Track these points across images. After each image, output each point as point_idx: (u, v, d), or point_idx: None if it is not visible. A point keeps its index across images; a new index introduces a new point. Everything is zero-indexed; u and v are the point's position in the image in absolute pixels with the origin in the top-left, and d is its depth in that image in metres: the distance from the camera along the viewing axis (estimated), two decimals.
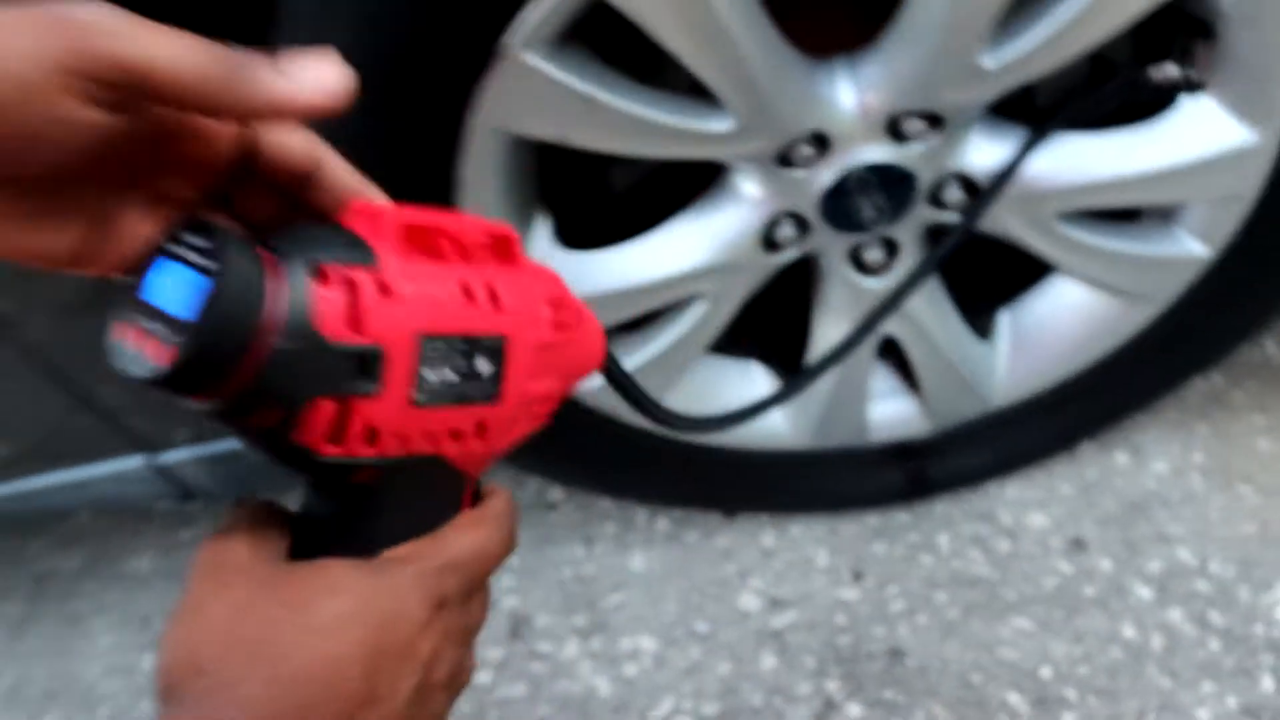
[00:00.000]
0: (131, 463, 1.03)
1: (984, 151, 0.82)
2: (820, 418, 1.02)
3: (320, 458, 0.39)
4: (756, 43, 0.72)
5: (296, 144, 0.40)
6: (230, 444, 1.04)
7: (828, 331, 0.96)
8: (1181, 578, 1.01)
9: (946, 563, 1.07)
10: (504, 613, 1.18)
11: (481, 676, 1.14)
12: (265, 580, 0.40)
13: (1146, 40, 0.83)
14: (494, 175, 0.77)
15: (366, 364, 0.38)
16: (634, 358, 0.93)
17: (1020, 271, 0.99)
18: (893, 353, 1.00)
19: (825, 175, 0.82)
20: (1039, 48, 0.72)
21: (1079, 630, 1.00)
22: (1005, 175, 0.81)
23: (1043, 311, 0.99)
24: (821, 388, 0.99)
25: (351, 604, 0.40)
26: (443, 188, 0.76)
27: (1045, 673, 0.98)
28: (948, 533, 1.09)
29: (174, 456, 1.04)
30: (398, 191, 0.44)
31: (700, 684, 1.07)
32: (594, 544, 1.21)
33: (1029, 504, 1.08)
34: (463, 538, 0.44)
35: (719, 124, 0.76)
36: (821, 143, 0.80)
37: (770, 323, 1.03)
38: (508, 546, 0.46)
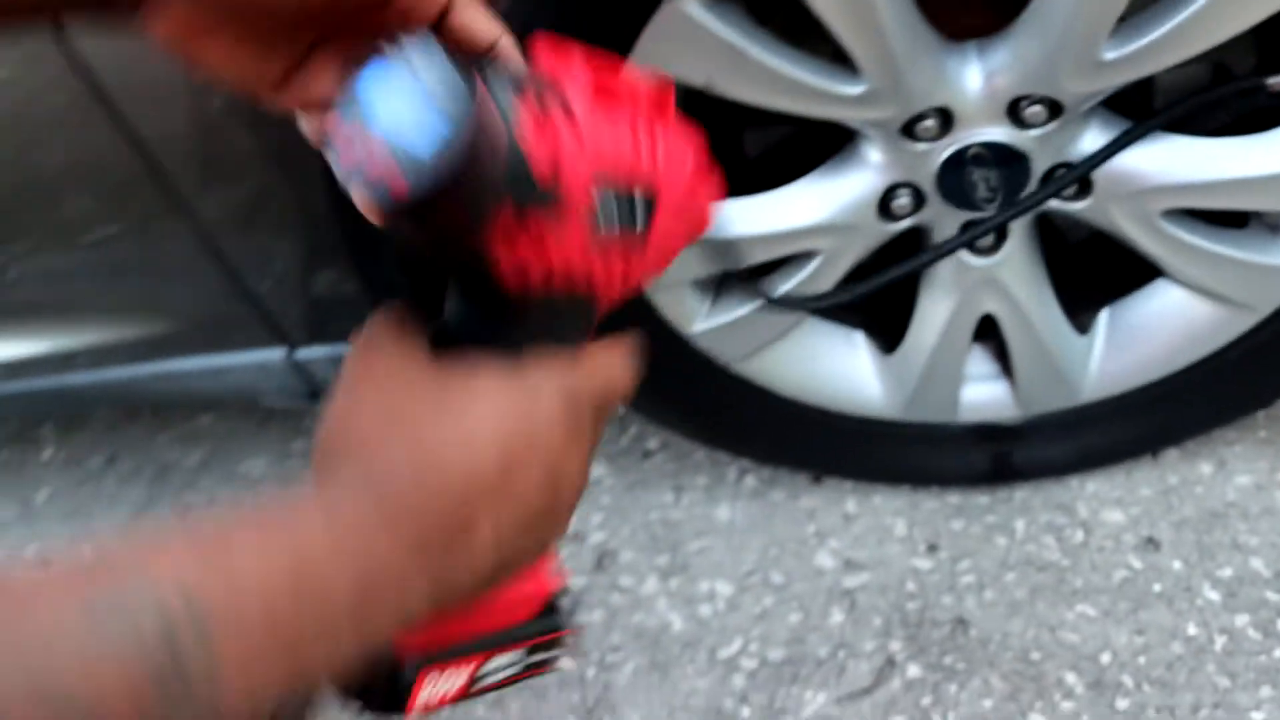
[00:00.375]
0: (272, 355, 1.13)
1: (1098, 144, 0.87)
2: (914, 390, 1.08)
3: (493, 264, 0.44)
4: (896, 17, 0.79)
5: (482, 24, 0.46)
6: None
7: (932, 306, 1.01)
8: (1252, 586, 1.04)
9: (1020, 546, 1.12)
10: (591, 545, 1.26)
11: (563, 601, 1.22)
12: (413, 372, 0.44)
13: (1271, 52, 0.87)
14: None
15: (551, 191, 0.43)
16: (745, 308, 1.00)
17: (1128, 274, 1.03)
18: (991, 336, 1.05)
19: (945, 150, 0.88)
20: (1156, 44, 0.77)
21: (1142, 622, 1.03)
22: (1097, 159, 0.86)
23: (1144, 313, 1.03)
24: (918, 361, 1.05)
25: (494, 399, 0.43)
26: None
27: (1104, 658, 1.02)
28: (1024, 518, 1.13)
29: (309, 354, 1.14)
30: None
31: (769, 630, 1.13)
32: (684, 492, 1.28)
33: (1107, 500, 1.12)
34: (601, 362, 0.49)
35: (852, 88, 0.83)
36: (945, 118, 0.86)
37: (877, 296, 1.09)
38: (629, 383, 0.50)
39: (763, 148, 1.08)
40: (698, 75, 0.82)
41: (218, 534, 0.37)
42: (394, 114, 0.40)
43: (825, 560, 1.17)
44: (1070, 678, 1.02)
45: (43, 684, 0.31)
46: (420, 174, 0.39)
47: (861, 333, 1.09)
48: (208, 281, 1.05)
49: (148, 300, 1.12)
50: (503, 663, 0.56)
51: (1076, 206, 0.91)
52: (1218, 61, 0.94)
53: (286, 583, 0.37)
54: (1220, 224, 0.95)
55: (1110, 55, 0.79)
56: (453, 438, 0.42)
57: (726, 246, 0.94)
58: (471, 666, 0.55)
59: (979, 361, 1.09)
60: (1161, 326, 1.02)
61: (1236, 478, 1.10)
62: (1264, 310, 0.97)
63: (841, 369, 1.09)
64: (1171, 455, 1.14)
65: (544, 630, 0.57)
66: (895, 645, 1.09)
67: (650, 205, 0.48)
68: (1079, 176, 0.88)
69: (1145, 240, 0.92)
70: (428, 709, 0.52)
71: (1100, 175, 0.88)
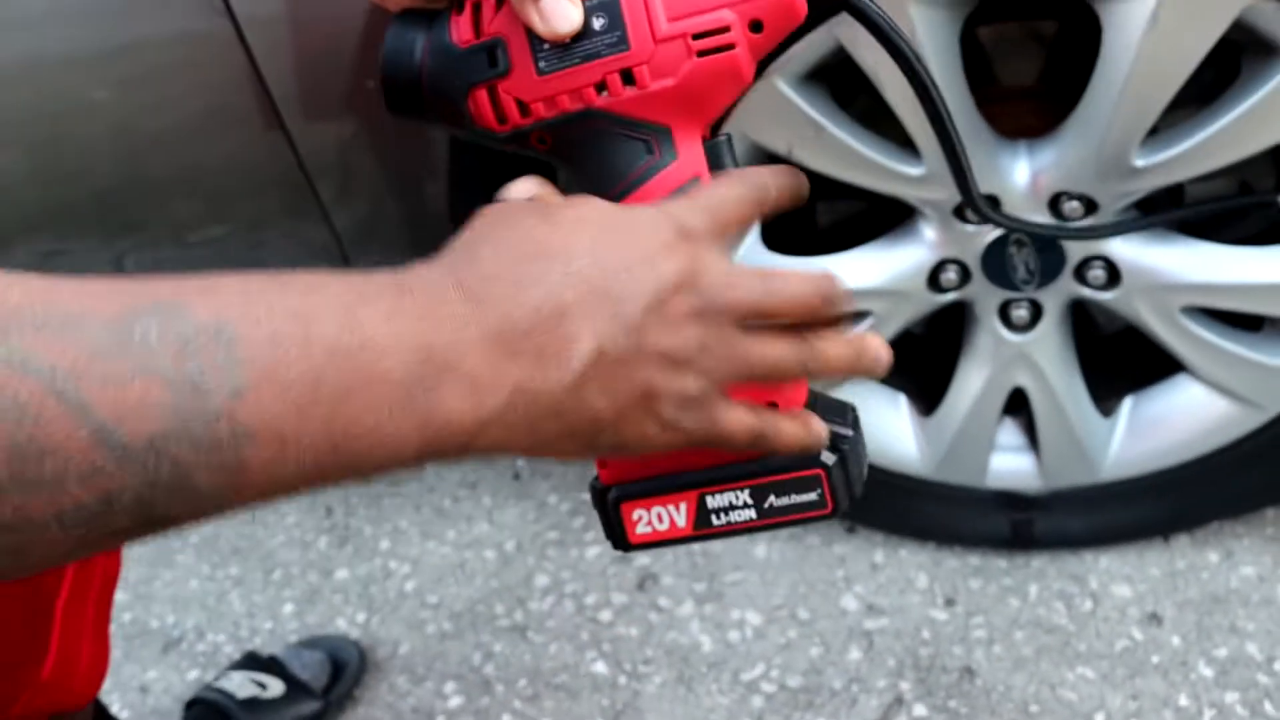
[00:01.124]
0: None
1: (1128, 243, 0.99)
2: (947, 452, 1.18)
3: (497, 134, 0.51)
4: (956, 112, 0.91)
5: None
6: None
7: (969, 375, 1.12)
8: (1245, 667, 1.11)
9: (1031, 608, 1.20)
10: (635, 567, 1.37)
11: (603, 614, 1.33)
12: (522, 211, 0.45)
13: None
14: None
15: (493, 55, 0.50)
16: None
17: (1153, 366, 1.13)
18: (1022, 410, 1.15)
19: (991, 234, 0.99)
20: (1181, 156, 0.89)
21: (1137, 689, 1.11)
22: (1094, 232, 0.96)
23: (1163, 404, 1.13)
24: (953, 425, 1.15)
25: (588, 210, 0.44)
26: None
27: (1098, 717, 1.10)
28: (1038, 584, 1.22)
29: None
30: None
31: (790, 659, 1.23)
32: None
33: (1118, 575, 1.21)
34: (709, 187, 0.48)
35: (913, 169, 0.95)
36: (994, 205, 0.98)
37: (921, 363, 1.21)
38: (756, 199, 0.48)
39: (833, 219, 1.21)
40: (780, 144, 0.95)
41: (271, 283, 0.36)
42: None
43: (850, 603, 1.27)
44: None
45: (60, 387, 0.31)
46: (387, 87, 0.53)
47: (904, 394, 1.20)
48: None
49: None
50: (726, 503, 0.52)
51: (1106, 296, 1.02)
52: (1242, 179, 1.05)
53: (332, 335, 0.35)
54: (1237, 325, 1.05)
55: (1140, 163, 0.91)
56: (548, 238, 0.42)
57: None
58: (687, 504, 0.52)
59: (1009, 432, 1.20)
60: (1179, 417, 1.12)
61: (1241, 568, 1.18)
62: (1273, 410, 1.06)
63: (883, 425, 1.20)
64: (1182, 540, 1.22)
65: (772, 470, 0.51)
66: (905, 685, 1.18)
67: (610, 6, 0.48)
68: (1069, 233, 0.98)
69: (1165, 333, 1.03)
70: (653, 543, 0.52)
71: (1127, 270, 0.99)
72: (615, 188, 0.51)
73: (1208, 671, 1.12)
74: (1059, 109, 0.94)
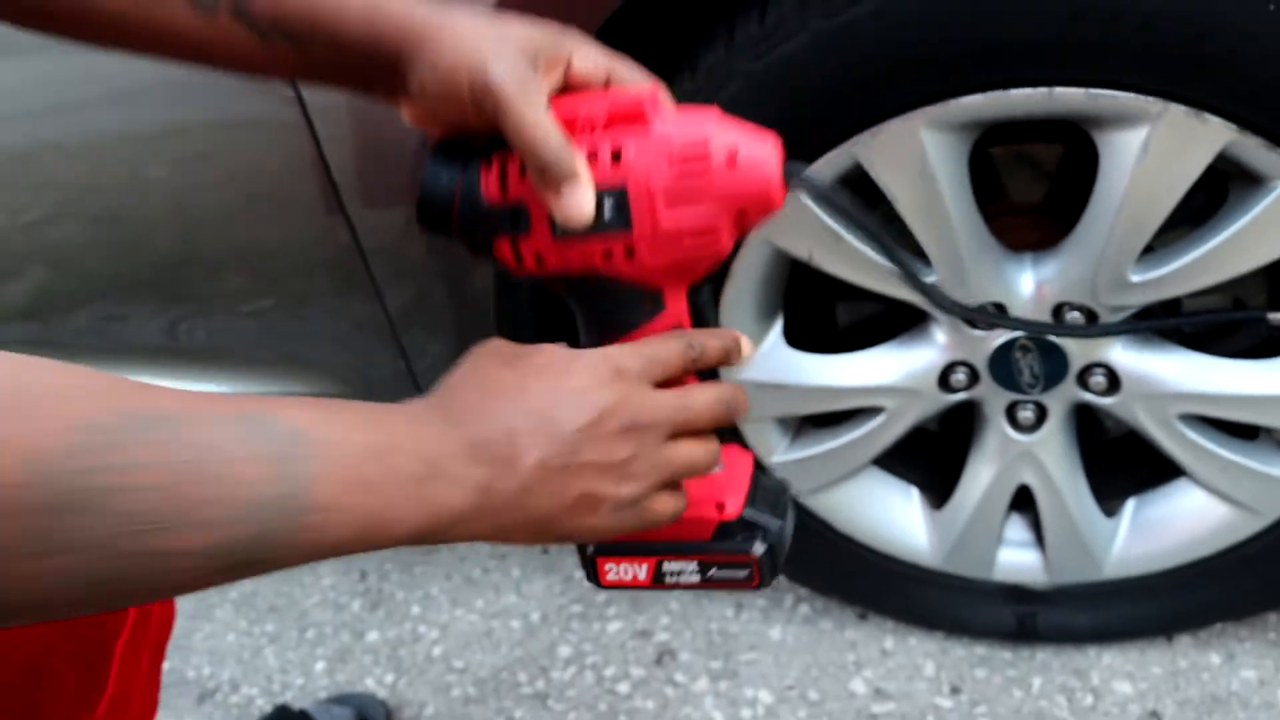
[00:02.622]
0: None
1: (1127, 351, 1.05)
2: (955, 545, 1.23)
3: (514, 275, 0.63)
4: (964, 226, 0.98)
5: (593, 65, 0.63)
6: None
7: (977, 471, 1.18)
8: None
9: (1034, 700, 1.24)
10: (655, 642, 1.42)
11: (621, 686, 1.37)
12: (497, 354, 0.59)
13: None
14: (754, 274, 1.06)
15: (516, 217, 0.61)
16: (818, 447, 1.19)
17: (1156, 470, 1.18)
18: (1031, 508, 1.21)
19: (998, 339, 1.06)
20: (1175, 273, 0.95)
21: None
22: (1086, 332, 1.02)
23: (1165, 506, 1.18)
24: (961, 518, 1.21)
25: (545, 359, 0.57)
26: (720, 276, 1.06)
27: None
28: (1041, 676, 1.26)
29: None
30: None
31: None
32: (744, 610, 1.43)
33: (1119, 672, 1.24)
34: (649, 340, 0.61)
35: (925, 277, 1.02)
36: (1002, 311, 1.04)
37: (934, 458, 1.27)
38: (688, 353, 0.61)
39: (851, 319, 1.28)
40: (802, 250, 1.03)
41: (332, 404, 0.51)
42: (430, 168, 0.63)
43: (859, 686, 1.31)
44: None
45: (194, 459, 0.44)
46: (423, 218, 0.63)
47: (916, 488, 1.26)
48: (373, 351, 1.27)
49: (314, 360, 1.34)
50: (678, 569, 0.68)
51: (1107, 401, 1.08)
52: (1235, 296, 1.11)
53: (371, 447, 0.50)
54: (1233, 434, 1.10)
55: (1136, 278, 0.97)
56: (509, 389, 0.56)
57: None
58: (647, 565, 0.69)
59: (1017, 528, 1.25)
60: (1179, 520, 1.17)
61: (1242, 671, 1.22)
62: (1271, 516, 1.11)
63: (895, 516, 1.26)
64: (1184, 640, 1.26)
65: (716, 552, 0.67)
66: None
67: (620, 196, 0.59)
68: (1062, 331, 1.04)
69: (1163, 438, 1.08)
70: (622, 585, 0.69)
71: (1127, 377, 1.05)
72: (613, 330, 0.64)
73: None
74: (1063, 225, 1.01)
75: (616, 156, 0.59)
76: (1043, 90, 0.88)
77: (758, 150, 0.59)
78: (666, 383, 0.60)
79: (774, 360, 1.14)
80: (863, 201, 1.04)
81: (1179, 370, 1.05)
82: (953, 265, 1.01)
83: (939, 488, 1.24)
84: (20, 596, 0.41)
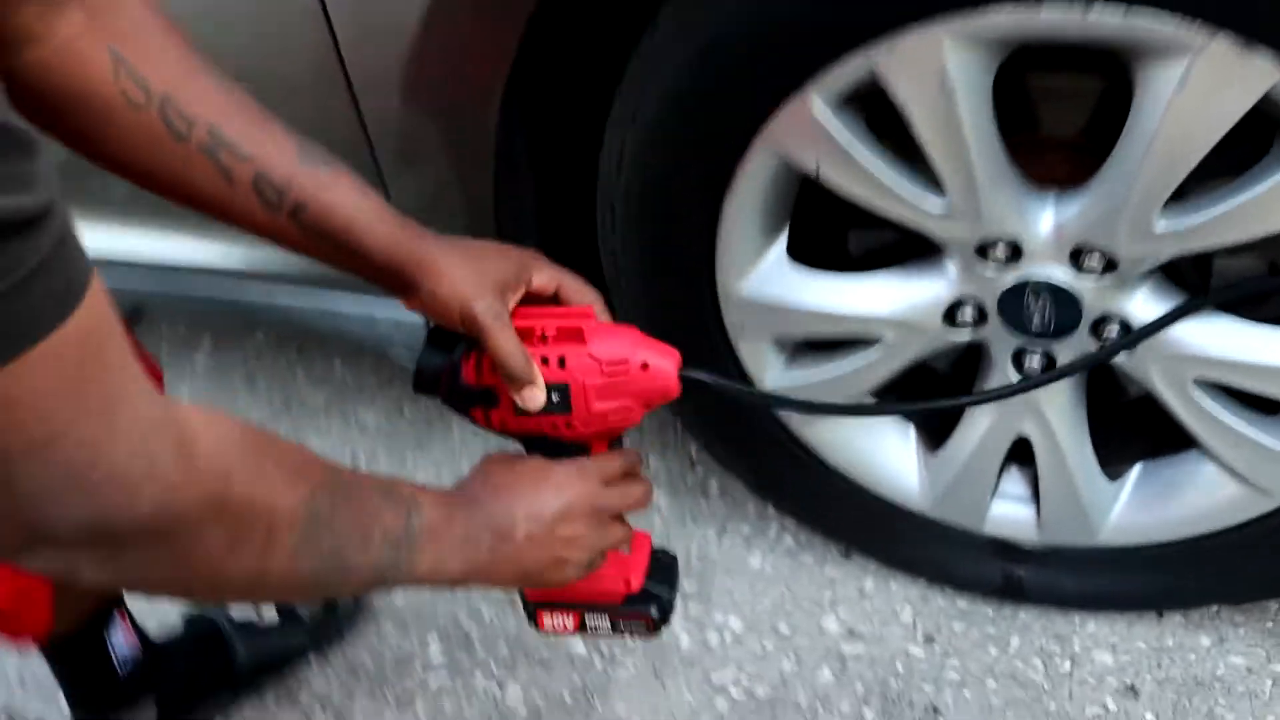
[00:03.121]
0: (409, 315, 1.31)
1: (1147, 305, 0.98)
2: (947, 490, 1.18)
3: (491, 429, 0.89)
4: (984, 153, 0.91)
5: (547, 279, 0.87)
6: None
7: (977, 417, 1.12)
8: None
9: (1009, 659, 1.20)
10: None
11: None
12: (504, 459, 0.88)
13: None
14: (760, 183, 1.00)
15: (488, 396, 0.86)
16: (813, 374, 1.14)
17: (1168, 437, 1.12)
18: (1030, 462, 1.15)
19: (1009, 277, 0.99)
20: (1202, 226, 0.88)
21: None
22: (1152, 328, 0.96)
23: (1173, 476, 1.11)
24: (957, 462, 1.15)
25: (534, 465, 0.86)
26: (724, 180, 1.00)
27: None
28: (1021, 637, 1.21)
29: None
30: (701, 166, 0.92)
31: (762, 670, 1.24)
32: (726, 535, 1.40)
33: (1103, 642, 1.19)
34: (608, 462, 0.88)
35: (936, 204, 0.96)
36: (1015, 250, 0.98)
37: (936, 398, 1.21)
38: (625, 469, 0.89)
39: (863, 249, 1.21)
40: (809, 161, 0.97)
41: (432, 495, 0.78)
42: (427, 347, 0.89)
43: (831, 624, 1.27)
44: None
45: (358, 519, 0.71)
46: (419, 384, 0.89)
47: (915, 427, 1.20)
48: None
49: None
50: (595, 623, 0.98)
51: (1119, 357, 1.01)
52: (1271, 260, 1.03)
53: (444, 519, 0.77)
54: (1253, 406, 1.03)
55: (1162, 226, 0.90)
56: (512, 486, 0.84)
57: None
58: (574, 617, 0.98)
59: (1014, 481, 1.19)
60: (1186, 492, 1.10)
61: (1231, 656, 1.16)
62: (1279, 497, 1.04)
63: (889, 455, 1.21)
64: (1175, 619, 1.20)
65: (624, 613, 0.97)
66: (869, 713, 1.18)
67: (564, 391, 0.84)
68: (1129, 344, 0.98)
69: (1175, 403, 1.02)
70: (555, 632, 0.98)
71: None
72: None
73: None
74: (1094, 163, 0.93)
75: (562, 363, 0.84)
76: (1077, 9, 0.80)
77: (662, 363, 0.84)
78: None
79: (775, 277, 1.08)
80: (875, 125, 0.97)
81: (1201, 332, 0.97)
82: (966, 193, 0.94)
83: (938, 430, 1.19)
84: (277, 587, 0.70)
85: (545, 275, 0.87)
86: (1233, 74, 0.79)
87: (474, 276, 0.82)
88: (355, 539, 0.69)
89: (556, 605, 0.98)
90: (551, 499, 0.83)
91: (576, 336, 0.85)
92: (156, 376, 1.03)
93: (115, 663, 1.18)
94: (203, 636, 1.30)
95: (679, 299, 1.12)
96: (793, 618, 1.29)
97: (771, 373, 1.15)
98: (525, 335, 0.84)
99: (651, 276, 1.13)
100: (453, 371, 0.87)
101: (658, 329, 1.10)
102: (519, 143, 1.13)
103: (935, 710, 1.17)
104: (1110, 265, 0.96)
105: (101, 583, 0.61)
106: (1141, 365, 1.01)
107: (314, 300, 1.44)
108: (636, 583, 0.99)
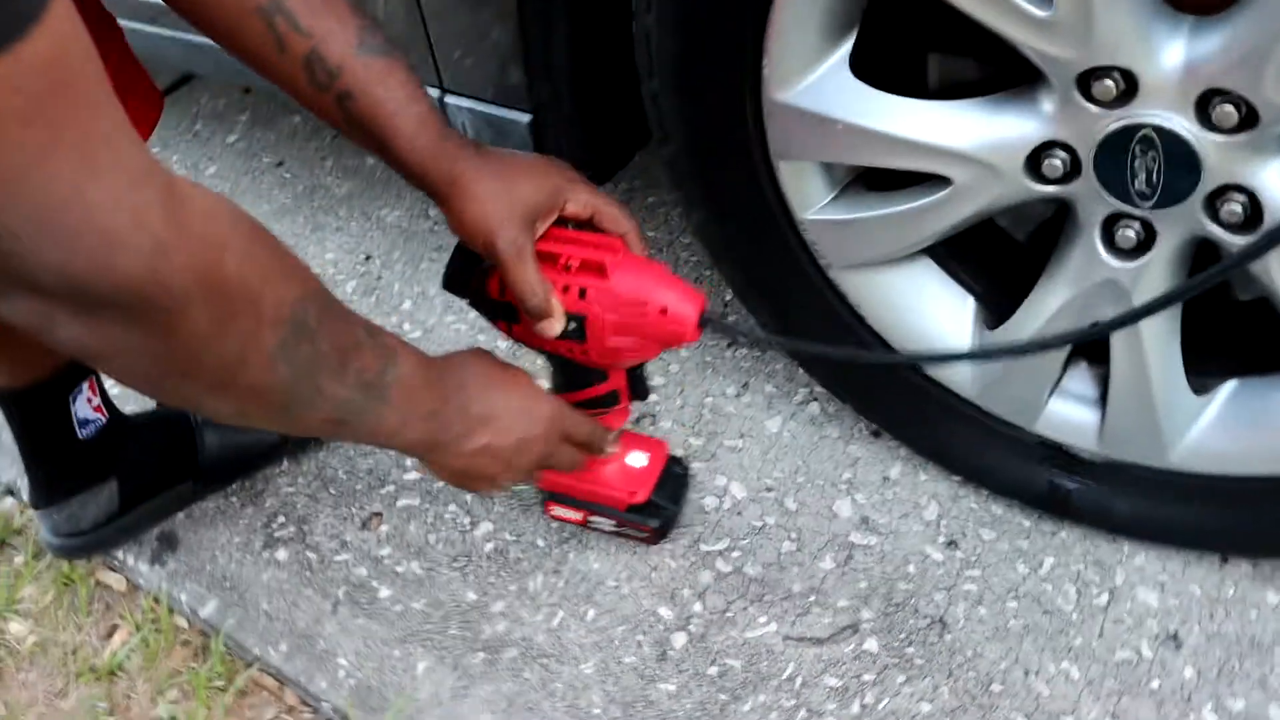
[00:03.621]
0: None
1: None
2: (1000, 377, 1.01)
3: (512, 339, 0.94)
4: None
5: (582, 206, 0.88)
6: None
7: (1050, 291, 0.93)
8: None
9: (1038, 581, 1.04)
10: (635, 407, 1.25)
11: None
12: (492, 368, 0.89)
13: None
14: None
15: (511, 311, 0.89)
16: (863, 212, 0.96)
17: (1275, 357, 0.93)
18: (1102, 356, 0.97)
19: (1116, 120, 0.80)
20: None
21: (1121, 709, 0.94)
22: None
23: (1270, 403, 0.92)
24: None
25: (525, 386, 0.89)
26: None
27: None
28: (1057, 558, 1.05)
29: (453, 100, 1.16)
30: None
31: (757, 546, 1.10)
32: (748, 392, 1.25)
33: (1150, 579, 1.02)
34: (583, 419, 0.94)
35: (1042, 8, 0.76)
36: (1130, 85, 0.78)
37: (1008, 270, 1.02)
38: (592, 432, 0.96)
39: (943, 81, 1.01)
40: None
41: (416, 357, 0.78)
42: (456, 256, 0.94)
43: (844, 509, 1.12)
44: None
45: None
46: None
47: (974, 299, 1.02)
48: (403, 14, 1.08)
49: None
50: (599, 521, 1.08)
51: (1235, 240, 0.82)
52: None
53: (420, 381, 0.77)
54: None
55: None
56: (504, 384, 0.87)
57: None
58: (582, 514, 1.08)
59: (1080, 379, 1.01)
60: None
61: None
62: None
63: (940, 326, 1.03)
64: (1242, 568, 1.02)
65: (627, 519, 1.07)
66: (867, 614, 1.04)
67: (581, 321, 0.86)
68: (1259, 251, 0.78)
69: None
70: (560, 520, 1.11)
71: (1274, 215, 0.78)
72: (573, 386, 0.97)
73: (1212, 718, 0.94)
74: None
75: (582, 294, 0.85)
76: None
77: (682, 309, 0.85)
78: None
79: (831, 89, 0.90)
80: None
81: None
82: (1076, 2, 0.74)
83: (1002, 305, 1.01)
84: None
85: (581, 201, 0.87)
86: None
87: (503, 203, 0.82)
88: (333, 362, 0.67)
89: (566, 501, 1.07)
90: (522, 426, 0.86)
91: (600, 270, 0.85)
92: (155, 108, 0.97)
93: (74, 423, 1.10)
94: (172, 421, 1.22)
95: (719, 105, 0.95)
96: (803, 494, 1.14)
97: (815, 204, 0.98)
98: (550, 260, 0.86)
99: (693, 82, 0.95)
100: (480, 280, 0.91)
101: (697, 148, 0.94)
102: None
103: (943, 624, 1.02)
104: (1249, 120, 0.75)
105: (78, 347, 0.56)
106: (1265, 264, 0.81)
107: None
108: (644, 495, 1.05)
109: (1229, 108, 0.75)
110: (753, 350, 1.28)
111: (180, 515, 1.23)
